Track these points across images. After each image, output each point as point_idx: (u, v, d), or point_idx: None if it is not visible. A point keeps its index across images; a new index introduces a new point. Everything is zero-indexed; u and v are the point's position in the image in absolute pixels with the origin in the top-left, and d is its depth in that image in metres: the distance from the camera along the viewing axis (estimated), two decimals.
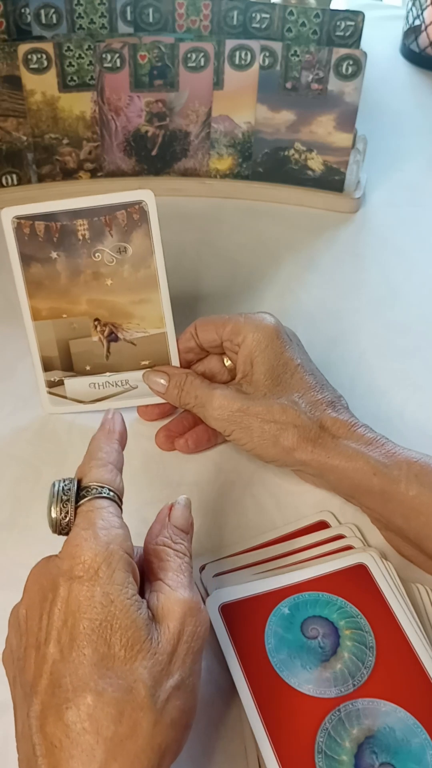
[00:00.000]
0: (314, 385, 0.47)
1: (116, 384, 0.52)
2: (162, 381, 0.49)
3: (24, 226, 0.48)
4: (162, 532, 0.38)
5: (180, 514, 0.39)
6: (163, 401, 0.51)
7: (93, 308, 0.50)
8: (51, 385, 0.52)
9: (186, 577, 0.36)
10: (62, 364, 0.51)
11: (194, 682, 0.33)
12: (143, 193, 0.48)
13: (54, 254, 0.49)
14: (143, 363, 0.51)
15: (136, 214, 0.48)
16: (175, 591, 0.34)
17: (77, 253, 0.49)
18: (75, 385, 0.52)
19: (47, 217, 0.48)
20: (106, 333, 0.50)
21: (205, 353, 0.52)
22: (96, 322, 0.50)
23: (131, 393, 0.52)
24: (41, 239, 0.48)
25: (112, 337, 0.50)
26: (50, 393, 0.52)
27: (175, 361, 0.51)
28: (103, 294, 0.50)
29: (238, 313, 0.50)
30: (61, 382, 0.52)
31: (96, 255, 0.49)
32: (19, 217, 0.48)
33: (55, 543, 0.45)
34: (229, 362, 0.51)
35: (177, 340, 0.51)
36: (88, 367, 0.51)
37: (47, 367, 0.51)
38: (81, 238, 0.48)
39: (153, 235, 0.48)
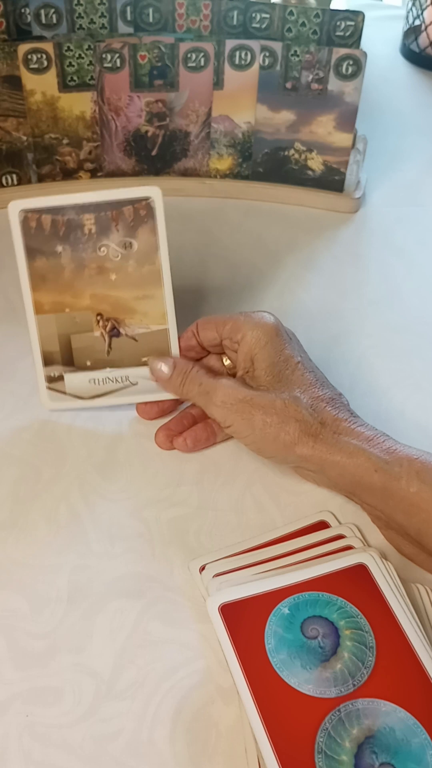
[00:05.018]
0: (314, 382, 0.47)
1: (116, 380, 0.52)
2: (165, 369, 0.49)
3: (31, 219, 0.48)
4: None
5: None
6: (162, 399, 0.51)
7: (96, 303, 0.50)
8: (51, 380, 0.52)
9: None
10: (63, 358, 0.51)
11: None
12: (151, 189, 0.48)
13: (59, 248, 0.49)
14: (144, 359, 0.51)
15: (142, 210, 0.48)
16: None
17: (82, 248, 0.49)
18: (75, 380, 0.52)
19: (54, 210, 0.48)
20: (108, 328, 0.50)
21: (205, 353, 0.52)
22: (98, 317, 0.50)
23: (131, 389, 0.52)
24: (47, 233, 0.48)
25: (114, 333, 0.50)
26: (50, 389, 0.52)
27: None
28: (106, 289, 0.50)
29: (238, 312, 0.50)
30: (60, 378, 0.51)
31: (101, 250, 0.49)
32: (26, 210, 0.48)
33: (55, 543, 0.46)
34: (228, 362, 0.51)
35: (179, 338, 0.51)
36: (88, 363, 0.51)
37: (48, 361, 0.51)
38: (87, 232, 0.48)
39: (159, 231, 0.49)
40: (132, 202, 0.48)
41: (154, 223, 0.48)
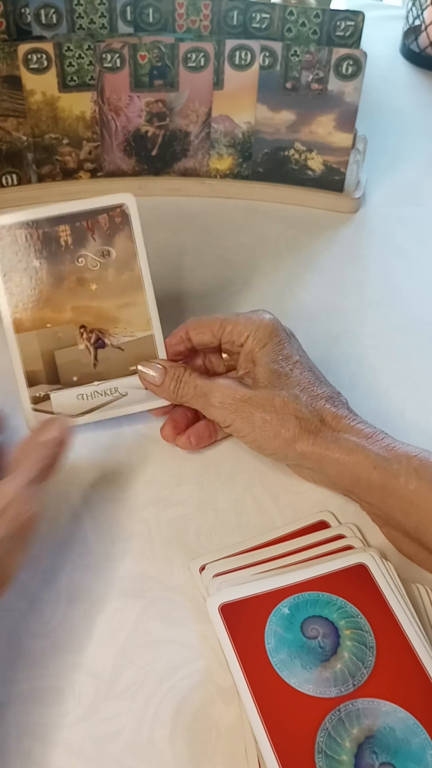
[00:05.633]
0: (313, 380, 0.47)
1: (105, 393, 0.50)
2: (156, 374, 0.49)
3: (5, 235, 0.47)
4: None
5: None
6: (153, 407, 0.50)
7: (78, 315, 0.49)
8: (36, 401, 0.50)
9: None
10: (48, 377, 0.49)
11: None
12: (124, 196, 0.48)
13: (36, 262, 0.48)
14: (132, 369, 0.50)
15: (117, 218, 0.48)
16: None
17: (60, 260, 0.48)
18: (61, 398, 0.50)
19: (28, 225, 0.47)
20: (92, 340, 0.49)
21: (195, 352, 0.52)
22: (82, 330, 0.49)
23: (121, 401, 0.51)
24: (22, 248, 0.47)
25: (99, 344, 0.50)
26: (35, 410, 0.50)
27: None
28: (88, 300, 0.49)
29: (233, 313, 0.50)
30: (46, 397, 0.50)
31: (79, 260, 0.48)
32: None
33: (55, 543, 0.46)
34: (228, 358, 0.51)
35: (166, 342, 0.50)
36: (75, 378, 0.50)
37: (32, 382, 0.49)
38: (63, 244, 0.48)
39: (135, 237, 0.48)
40: (106, 210, 0.48)
41: (131, 230, 0.48)
